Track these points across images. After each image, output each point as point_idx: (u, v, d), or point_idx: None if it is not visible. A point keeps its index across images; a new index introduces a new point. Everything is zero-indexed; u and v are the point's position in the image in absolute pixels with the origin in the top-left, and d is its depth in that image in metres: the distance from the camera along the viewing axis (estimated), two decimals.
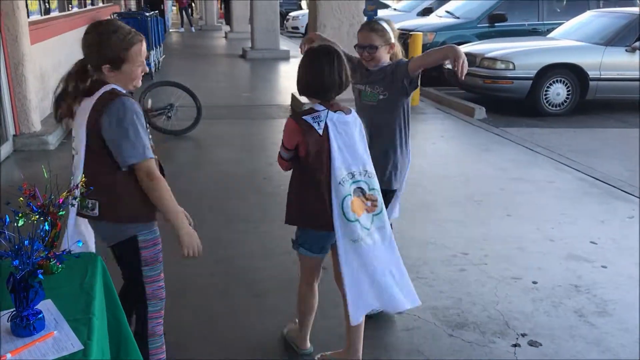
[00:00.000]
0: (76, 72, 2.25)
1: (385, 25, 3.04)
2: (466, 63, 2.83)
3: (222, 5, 21.96)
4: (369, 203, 2.51)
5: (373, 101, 3.06)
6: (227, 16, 21.73)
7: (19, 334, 1.62)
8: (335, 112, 2.49)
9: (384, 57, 3.07)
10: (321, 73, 2.45)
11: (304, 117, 2.46)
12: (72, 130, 2.31)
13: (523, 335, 3.07)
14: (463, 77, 2.80)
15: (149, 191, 2.21)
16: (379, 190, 2.56)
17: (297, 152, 2.51)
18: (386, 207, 2.68)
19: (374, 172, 2.55)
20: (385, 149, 3.05)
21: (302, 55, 2.64)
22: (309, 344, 2.93)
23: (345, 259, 2.49)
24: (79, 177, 2.13)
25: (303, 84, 2.52)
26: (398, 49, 3.13)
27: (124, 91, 2.25)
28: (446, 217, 4.69)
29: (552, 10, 11.71)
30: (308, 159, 2.48)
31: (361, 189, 2.49)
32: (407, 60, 3.05)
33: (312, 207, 2.52)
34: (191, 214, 2.43)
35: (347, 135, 2.48)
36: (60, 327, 1.66)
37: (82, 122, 2.19)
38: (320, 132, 2.43)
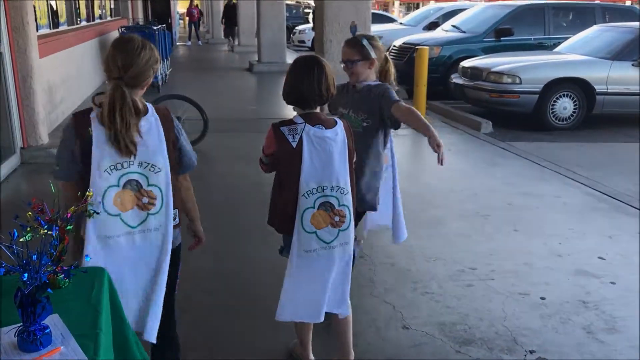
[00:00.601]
0: (128, 91, 2.16)
1: (365, 41, 3.07)
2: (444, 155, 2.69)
3: (223, 20, 21.99)
4: (337, 218, 2.52)
5: (357, 128, 3.01)
6: (228, 31, 21.86)
7: (26, 348, 1.61)
8: (314, 125, 2.49)
9: (365, 73, 3.09)
10: (300, 82, 2.49)
11: (280, 128, 2.49)
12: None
13: (531, 352, 3.04)
14: (443, 164, 2.64)
15: (187, 191, 2.47)
16: (351, 207, 2.56)
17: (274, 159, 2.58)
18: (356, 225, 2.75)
19: (348, 189, 2.54)
20: (367, 171, 3.08)
21: None
22: (312, 356, 2.91)
23: (293, 265, 2.57)
24: (171, 190, 2.23)
25: (285, 92, 2.57)
26: (390, 69, 3.16)
27: None
28: (453, 231, 4.67)
29: (558, 24, 11.74)
30: (280, 168, 2.56)
31: (330, 204, 2.50)
32: (395, 99, 2.98)
33: (284, 213, 2.56)
34: None
35: (323, 151, 2.47)
36: (67, 342, 1.66)
37: (160, 139, 2.22)
38: (294, 145, 2.46)
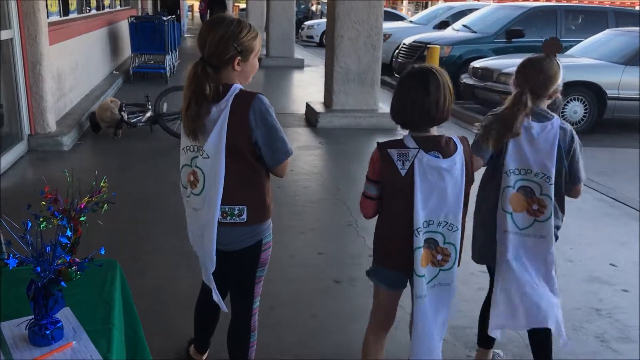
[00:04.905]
0: (202, 74, 2.13)
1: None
2: None
3: (208, 11, 21.32)
4: (439, 256, 2.22)
5: None
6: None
7: (37, 342, 1.57)
8: (428, 152, 2.13)
9: None
10: (406, 99, 2.14)
11: (389, 150, 2.15)
12: (181, 135, 2.27)
13: None
14: None
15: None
16: (458, 245, 2.25)
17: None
18: None
19: (459, 225, 2.21)
20: None
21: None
22: None
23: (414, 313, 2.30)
24: (220, 182, 2.13)
25: (392, 110, 2.22)
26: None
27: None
28: (465, 234, 4.60)
29: (570, 27, 11.66)
30: (384, 198, 2.25)
31: (434, 240, 2.20)
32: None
33: (387, 246, 2.32)
34: None
35: (436, 183, 2.14)
36: (79, 337, 1.61)
37: (221, 125, 2.12)
38: (403, 173, 2.12)
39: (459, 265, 2.32)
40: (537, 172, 2.49)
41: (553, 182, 2.49)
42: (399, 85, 2.20)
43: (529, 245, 2.54)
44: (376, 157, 2.19)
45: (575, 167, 2.59)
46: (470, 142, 2.43)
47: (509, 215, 2.52)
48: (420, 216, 2.15)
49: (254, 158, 2.20)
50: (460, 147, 2.19)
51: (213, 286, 2.27)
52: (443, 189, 2.16)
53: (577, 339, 3.19)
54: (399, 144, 2.17)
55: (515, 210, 2.52)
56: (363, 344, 2.55)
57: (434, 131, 2.21)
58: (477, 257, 2.76)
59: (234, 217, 2.21)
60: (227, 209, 2.19)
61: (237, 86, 2.19)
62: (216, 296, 2.29)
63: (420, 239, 2.16)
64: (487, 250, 2.64)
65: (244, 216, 2.21)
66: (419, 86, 2.13)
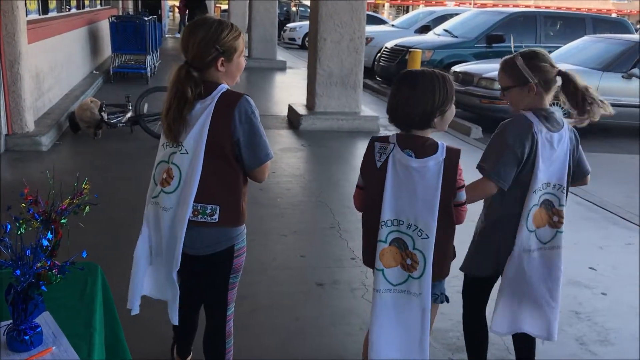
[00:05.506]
0: (185, 77, 2.12)
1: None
2: None
3: (187, 13, 20.97)
4: (409, 261, 2.18)
5: None
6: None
7: (15, 348, 1.54)
8: (403, 149, 2.15)
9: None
10: (395, 99, 2.18)
11: (375, 142, 2.22)
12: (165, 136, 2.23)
13: None
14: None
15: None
16: (428, 255, 2.16)
17: None
18: None
19: (430, 234, 2.14)
20: None
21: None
22: None
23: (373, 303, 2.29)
24: (196, 179, 2.10)
25: (387, 109, 2.25)
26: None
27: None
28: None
29: (549, 33, 11.81)
30: (366, 189, 2.27)
31: (404, 242, 2.18)
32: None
33: (366, 242, 2.32)
34: None
35: (406, 181, 2.14)
36: (59, 342, 1.59)
37: (204, 120, 2.11)
38: (379, 165, 2.17)
39: (437, 279, 2.25)
40: (555, 184, 2.46)
41: (567, 191, 2.48)
42: (394, 84, 2.22)
43: (547, 256, 2.51)
44: (367, 147, 2.24)
45: (582, 162, 2.58)
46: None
47: (533, 234, 2.48)
48: (387, 209, 2.15)
49: (234, 158, 2.17)
50: (440, 153, 2.14)
51: (169, 297, 2.23)
52: (412, 189, 2.14)
53: (557, 341, 3.20)
54: (386, 139, 2.22)
55: (538, 226, 2.48)
56: (364, 344, 2.54)
57: (424, 133, 2.20)
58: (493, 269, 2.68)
59: (206, 217, 2.17)
60: (199, 207, 2.15)
61: (224, 86, 2.19)
62: (171, 308, 2.24)
63: (384, 232, 2.16)
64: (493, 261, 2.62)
65: (216, 216, 2.17)
66: (407, 88, 2.15)
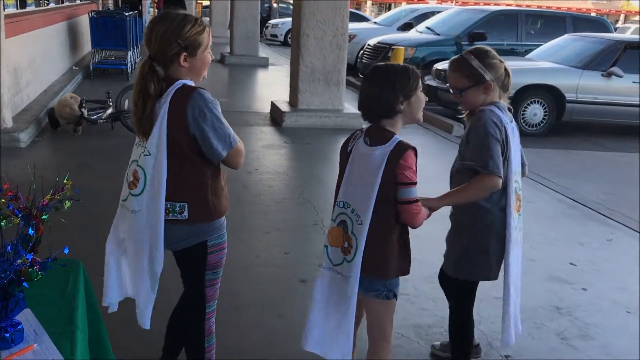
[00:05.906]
0: (148, 72, 2.09)
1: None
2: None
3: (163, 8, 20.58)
4: (346, 243, 2.24)
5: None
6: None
7: None
8: (364, 137, 2.27)
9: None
10: (363, 94, 2.29)
11: (357, 131, 2.35)
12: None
13: (507, 357, 3.04)
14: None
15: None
16: (360, 241, 2.19)
17: None
18: None
19: (364, 219, 2.17)
20: None
21: None
22: None
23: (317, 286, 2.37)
24: (162, 179, 2.09)
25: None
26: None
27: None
28: (428, 233, 4.63)
29: (530, 31, 11.92)
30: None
31: (346, 225, 2.25)
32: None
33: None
34: None
35: (358, 166, 2.25)
36: (41, 339, 1.56)
37: (160, 121, 2.08)
38: (349, 149, 2.31)
39: (376, 277, 2.28)
40: (518, 172, 2.60)
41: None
42: (364, 78, 2.35)
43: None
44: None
45: None
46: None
47: (514, 221, 2.60)
48: (341, 191, 2.29)
49: (195, 154, 2.14)
50: (389, 144, 2.18)
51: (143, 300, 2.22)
52: (359, 175, 2.24)
53: (538, 336, 3.25)
54: (362, 128, 2.35)
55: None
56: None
57: (394, 124, 2.25)
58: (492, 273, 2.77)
59: (176, 214, 2.17)
60: (168, 206, 2.15)
61: (182, 81, 2.14)
62: (144, 310, 2.22)
63: (335, 213, 2.30)
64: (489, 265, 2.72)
65: (185, 214, 2.17)
66: (369, 81, 2.28)
